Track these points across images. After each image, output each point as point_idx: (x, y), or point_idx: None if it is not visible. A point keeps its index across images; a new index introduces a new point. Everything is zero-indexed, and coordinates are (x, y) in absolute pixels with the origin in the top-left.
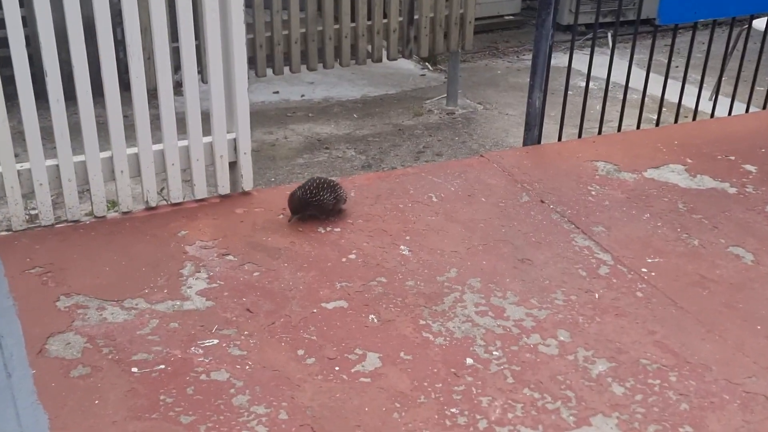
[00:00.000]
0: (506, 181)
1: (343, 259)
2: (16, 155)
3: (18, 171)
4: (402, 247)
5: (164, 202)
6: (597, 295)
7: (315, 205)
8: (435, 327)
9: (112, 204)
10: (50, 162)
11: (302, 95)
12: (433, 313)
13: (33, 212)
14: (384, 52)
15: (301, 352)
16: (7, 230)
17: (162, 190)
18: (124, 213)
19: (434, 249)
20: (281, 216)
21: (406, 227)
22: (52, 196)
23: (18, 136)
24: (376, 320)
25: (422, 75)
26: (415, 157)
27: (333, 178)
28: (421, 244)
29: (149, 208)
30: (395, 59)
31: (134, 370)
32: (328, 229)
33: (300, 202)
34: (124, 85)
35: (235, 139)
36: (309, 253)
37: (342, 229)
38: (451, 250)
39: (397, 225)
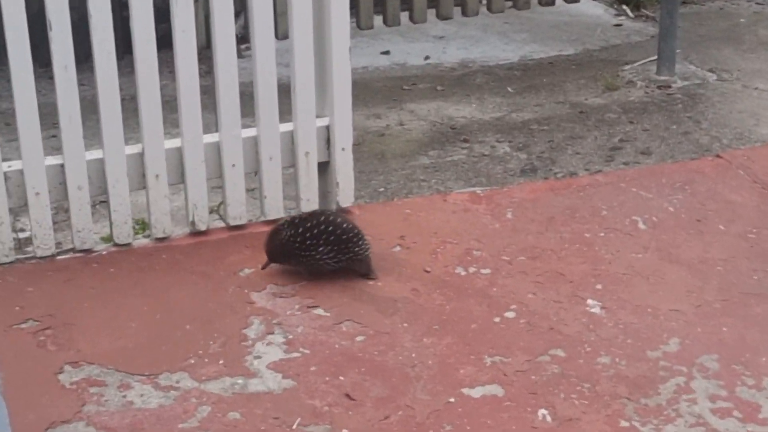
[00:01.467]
0: (759, 197)
1: (496, 319)
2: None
3: (5, 174)
4: (590, 301)
5: (220, 224)
6: None
7: (303, 260)
8: None
9: (142, 226)
10: (52, 160)
11: (426, 57)
12: (641, 409)
13: (24, 235)
14: None
15: None
16: None
17: (219, 206)
18: (159, 239)
19: (642, 306)
20: (398, 248)
21: (596, 270)
22: (53, 211)
23: (4, 122)
24: (549, 418)
25: (617, 25)
26: (607, 158)
27: (352, 224)
28: (621, 298)
29: (197, 233)
30: (575, 0)
31: None
32: (472, 269)
33: (281, 248)
34: (162, 41)
35: (328, 128)
36: (441, 307)
37: (493, 270)
38: (669, 309)
39: (581, 266)
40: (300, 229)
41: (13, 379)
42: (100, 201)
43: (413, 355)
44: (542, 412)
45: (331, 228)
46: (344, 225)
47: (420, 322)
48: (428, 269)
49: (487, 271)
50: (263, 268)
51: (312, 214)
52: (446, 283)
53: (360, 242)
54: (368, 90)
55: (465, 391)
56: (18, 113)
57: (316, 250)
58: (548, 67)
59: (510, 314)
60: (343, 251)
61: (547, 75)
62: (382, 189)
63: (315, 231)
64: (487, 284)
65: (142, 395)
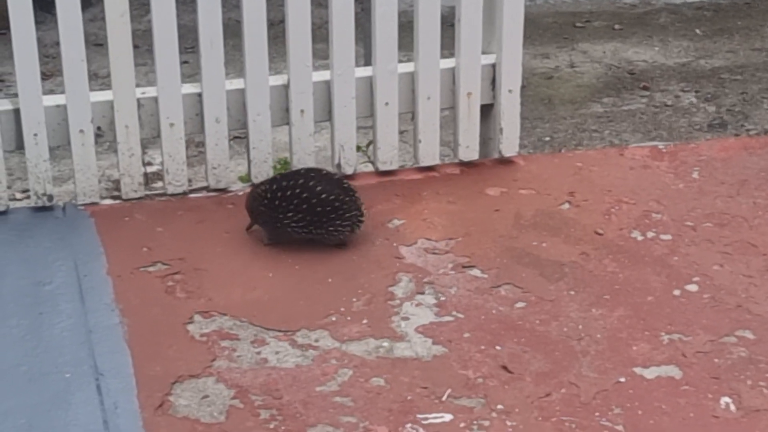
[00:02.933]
0: None
1: (676, 292)
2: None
3: (138, 101)
4: None
5: (369, 168)
6: None
7: (269, 221)
8: None
9: (283, 165)
10: (188, 89)
11: None
12: None
13: (152, 169)
14: None
15: None
16: (113, 198)
17: (368, 146)
18: None
19: None
20: (566, 206)
21: None
22: (187, 145)
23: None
24: (733, 407)
25: None
26: None
27: (341, 196)
28: None
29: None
30: None
31: None
32: (650, 234)
33: (251, 204)
34: None
35: (494, 66)
36: (614, 275)
37: (674, 236)
38: None
39: None
40: (274, 186)
41: (138, 328)
42: (235, 137)
43: (580, 326)
44: (725, 400)
45: (306, 195)
46: (325, 195)
47: (589, 290)
48: (600, 231)
49: (668, 237)
50: (247, 228)
51: (296, 173)
52: (620, 248)
53: (340, 221)
54: (536, 26)
55: (637, 370)
56: (156, 34)
57: (285, 214)
58: (744, 8)
59: (692, 287)
60: (316, 224)
61: (743, 17)
62: (547, 138)
63: (289, 193)
64: (667, 252)
65: (277, 353)
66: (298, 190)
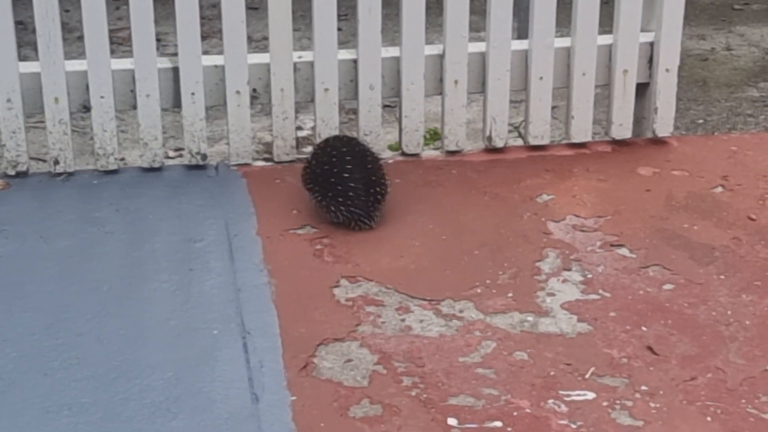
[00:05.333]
0: None
1: None
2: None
3: (294, 65)
4: None
5: (519, 142)
6: None
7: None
8: None
9: (433, 136)
10: (344, 55)
11: None
12: None
13: (303, 134)
14: None
15: None
16: (265, 159)
17: (520, 123)
18: (451, 153)
19: None
20: (719, 189)
21: None
22: (339, 112)
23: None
24: None
25: None
26: None
27: (362, 180)
28: None
29: (493, 149)
30: None
31: (451, 422)
32: None
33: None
34: None
35: (651, 45)
36: (766, 262)
37: None
38: None
39: None
40: (313, 154)
41: (286, 289)
42: (385, 105)
43: (729, 312)
44: None
45: (327, 167)
46: (346, 174)
47: (739, 275)
48: (754, 217)
49: None
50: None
51: (334, 141)
52: None
53: (344, 207)
54: (692, 6)
55: None
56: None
57: (307, 185)
58: None
59: None
60: (330, 200)
61: None
62: (701, 121)
63: (314, 162)
64: None
65: (421, 321)
66: (324, 159)
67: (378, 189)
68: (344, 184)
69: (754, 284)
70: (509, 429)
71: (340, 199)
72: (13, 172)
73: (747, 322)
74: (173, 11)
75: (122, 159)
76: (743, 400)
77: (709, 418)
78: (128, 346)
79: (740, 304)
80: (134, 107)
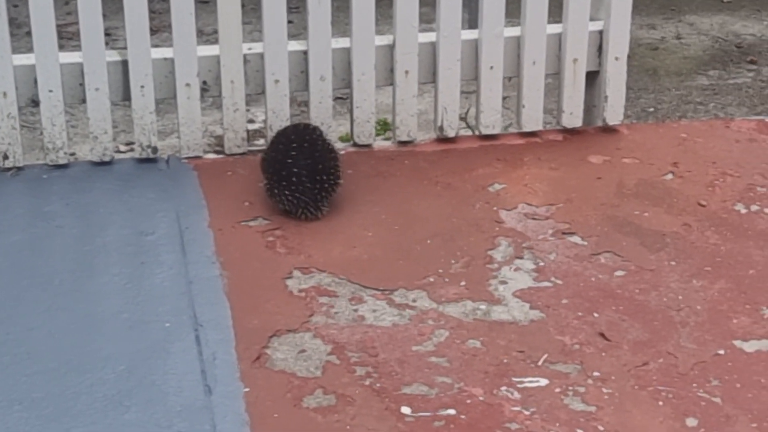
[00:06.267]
0: None
1: None
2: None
3: (244, 56)
4: None
5: (468, 132)
6: None
7: None
8: None
9: (383, 126)
10: (295, 46)
11: None
12: None
13: (255, 127)
14: None
15: (691, 422)
16: (216, 152)
17: (467, 112)
18: (402, 143)
19: None
20: (669, 176)
21: None
22: (290, 104)
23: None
24: None
25: None
26: None
27: (306, 167)
28: None
29: (443, 140)
30: None
31: (405, 410)
32: (754, 207)
33: None
34: None
35: (601, 33)
36: (716, 247)
37: None
38: None
39: None
40: (270, 141)
41: (238, 281)
42: (337, 97)
43: (680, 297)
44: None
45: (274, 154)
46: (290, 161)
47: (690, 261)
48: (703, 203)
49: None
50: None
51: (291, 129)
52: (723, 221)
53: (296, 194)
54: None
55: (737, 343)
56: None
57: (261, 172)
58: None
59: None
60: (276, 185)
61: None
62: (651, 109)
63: (268, 149)
64: None
65: (374, 311)
66: (271, 143)
67: (326, 178)
68: (289, 171)
69: (704, 270)
70: (462, 417)
71: (285, 184)
72: None
73: (698, 307)
74: (123, 5)
75: (72, 153)
76: (694, 385)
77: (660, 403)
78: (80, 339)
79: (691, 289)
80: (83, 101)
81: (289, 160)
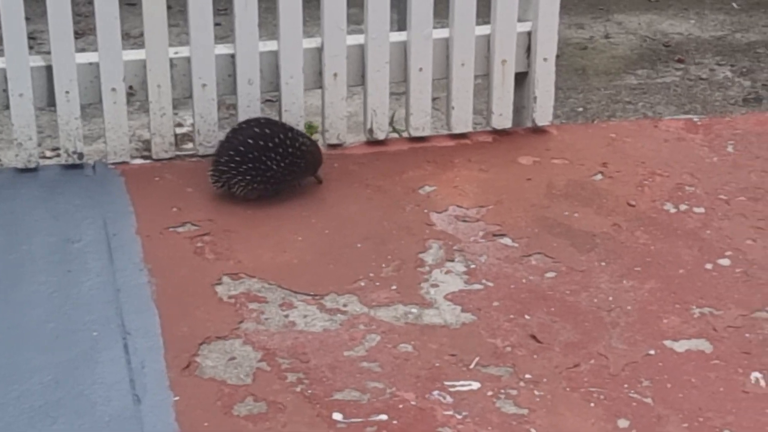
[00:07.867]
0: None
1: (708, 266)
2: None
3: (170, 60)
4: None
5: (399, 135)
6: None
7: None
8: None
9: (312, 129)
10: (222, 50)
11: None
12: None
13: (183, 131)
14: None
15: (622, 423)
16: (144, 158)
17: (392, 116)
18: (332, 146)
19: None
20: (599, 177)
21: None
22: (218, 107)
23: (172, 2)
24: (763, 383)
25: None
26: None
27: (250, 151)
28: None
29: (373, 142)
30: None
31: (337, 417)
32: (683, 207)
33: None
34: None
35: (529, 34)
36: (645, 247)
37: (707, 209)
38: None
39: None
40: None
41: (166, 288)
42: (266, 100)
43: (610, 298)
44: (755, 375)
45: (224, 140)
46: (238, 146)
47: (620, 261)
48: (633, 203)
49: (701, 210)
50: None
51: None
52: (652, 221)
53: (221, 168)
54: None
55: (667, 343)
56: None
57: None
58: None
59: (724, 261)
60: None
61: None
62: (580, 109)
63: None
64: (700, 225)
65: (305, 316)
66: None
67: (234, 156)
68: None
69: (634, 270)
70: (395, 422)
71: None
72: None
73: (628, 308)
74: (46, 9)
75: None
76: (626, 385)
77: (592, 404)
78: (5, 350)
79: (621, 289)
80: (7, 107)
81: (225, 135)
